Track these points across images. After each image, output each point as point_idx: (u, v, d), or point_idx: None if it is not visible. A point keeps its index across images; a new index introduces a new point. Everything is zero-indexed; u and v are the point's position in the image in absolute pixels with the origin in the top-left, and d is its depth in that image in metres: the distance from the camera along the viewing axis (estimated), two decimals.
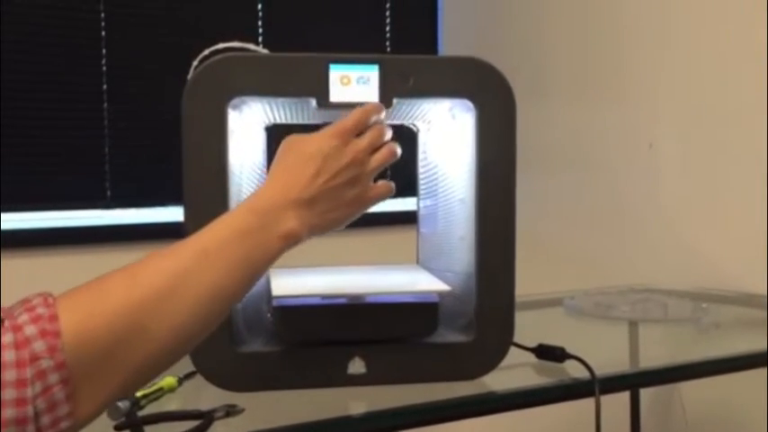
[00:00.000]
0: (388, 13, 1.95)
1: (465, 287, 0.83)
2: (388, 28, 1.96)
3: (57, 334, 0.47)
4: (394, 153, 0.69)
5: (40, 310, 0.48)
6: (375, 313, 0.79)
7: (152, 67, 1.73)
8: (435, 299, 0.81)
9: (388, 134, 0.70)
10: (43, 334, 0.46)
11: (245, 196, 0.82)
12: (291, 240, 0.61)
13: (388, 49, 1.96)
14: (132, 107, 1.73)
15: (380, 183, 0.70)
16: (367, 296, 0.80)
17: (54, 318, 0.47)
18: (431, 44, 2.01)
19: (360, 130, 0.67)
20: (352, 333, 0.79)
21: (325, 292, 0.80)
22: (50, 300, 0.49)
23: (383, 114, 0.71)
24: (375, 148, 0.67)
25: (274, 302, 0.78)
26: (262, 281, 0.87)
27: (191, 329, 0.54)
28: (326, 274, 0.91)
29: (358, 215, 0.68)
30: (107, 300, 0.50)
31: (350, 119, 0.67)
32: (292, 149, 0.65)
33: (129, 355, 0.50)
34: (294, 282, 0.85)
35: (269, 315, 0.82)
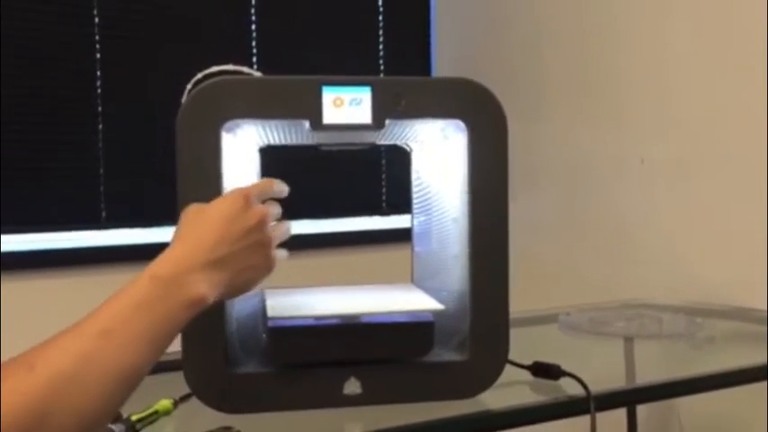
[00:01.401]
0: (381, 35, 1.97)
1: (459, 306, 0.83)
2: (381, 50, 1.98)
3: None
4: (288, 231, 0.72)
5: None
6: (370, 333, 0.79)
7: (147, 90, 1.74)
8: (430, 318, 0.81)
9: (276, 188, 0.72)
10: None
11: None
12: (198, 307, 0.60)
13: (382, 71, 1.98)
14: (127, 128, 1.73)
15: (275, 224, 0.70)
16: (361, 316, 0.80)
17: None
18: (424, 65, 2.02)
19: (262, 198, 0.69)
20: (347, 353, 0.78)
21: (319, 312, 0.80)
22: None
23: (284, 192, 0.73)
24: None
25: (269, 323, 0.78)
26: (256, 300, 0.87)
27: (98, 414, 0.52)
28: (321, 295, 0.91)
29: (265, 277, 0.68)
30: (6, 393, 0.48)
31: (255, 186, 0.69)
32: (196, 217, 0.65)
33: None
34: (289, 302, 0.85)
35: (264, 336, 0.82)
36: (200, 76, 0.78)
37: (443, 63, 2.02)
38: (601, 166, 1.68)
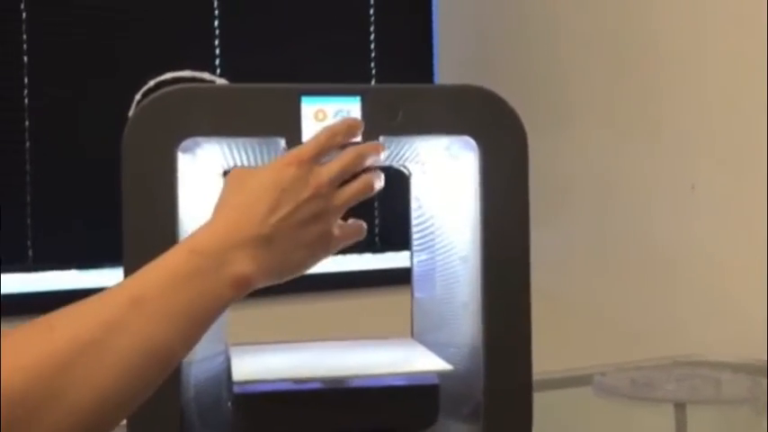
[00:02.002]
0: (372, 36, 1.99)
1: (471, 365, 0.83)
2: (372, 51, 2.00)
3: None
4: (369, 186, 0.70)
5: None
6: (360, 401, 0.78)
7: (86, 103, 1.74)
8: (435, 381, 0.81)
9: (368, 159, 0.70)
10: None
11: None
12: (243, 287, 0.61)
13: (374, 77, 1.99)
14: (61, 149, 1.73)
15: (351, 221, 0.70)
16: (350, 379, 0.79)
17: None
18: (425, 70, 2.04)
19: (323, 155, 0.68)
20: (331, 426, 0.78)
21: (297, 374, 0.80)
22: None
23: (359, 134, 0.72)
24: (346, 179, 0.68)
25: (235, 389, 0.77)
26: (218, 360, 0.86)
27: (120, 394, 0.53)
28: (299, 352, 0.91)
29: (322, 259, 0.69)
30: (17, 359, 0.49)
31: (311, 143, 0.68)
32: (241, 183, 0.66)
33: (43, 428, 0.49)
34: (259, 362, 0.84)
35: (229, 404, 0.81)
36: (151, 84, 0.78)
37: (448, 67, 2.04)
38: (641, 192, 1.69)
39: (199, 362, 0.81)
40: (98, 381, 0.52)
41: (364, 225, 0.72)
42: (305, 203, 0.64)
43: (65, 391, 0.50)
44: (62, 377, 0.51)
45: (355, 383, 0.79)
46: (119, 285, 0.59)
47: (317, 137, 0.68)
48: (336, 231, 0.68)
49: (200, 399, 0.81)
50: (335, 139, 0.68)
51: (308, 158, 0.66)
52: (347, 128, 0.71)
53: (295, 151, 0.67)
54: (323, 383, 0.79)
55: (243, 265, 0.61)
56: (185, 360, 0.75)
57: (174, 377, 0.73)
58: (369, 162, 0.70)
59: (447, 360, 0.83)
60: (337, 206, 0.67)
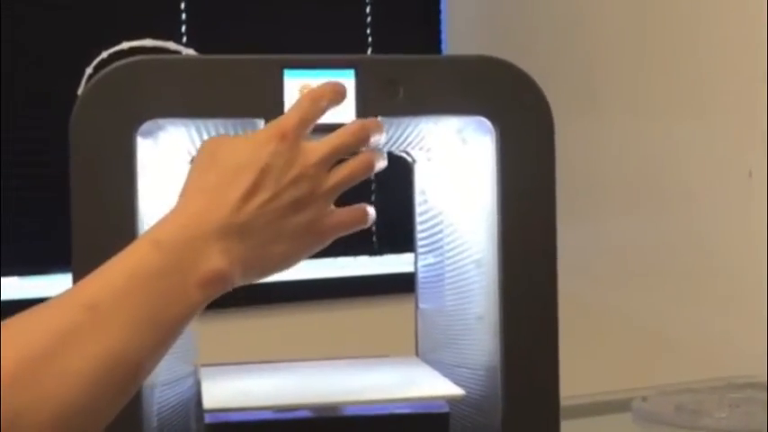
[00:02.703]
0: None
1: (487, 389, 0.82)
2: (368, 16, 1.99)
3: None
4: (369, 165, 0.69)
5: None
6: (356, 431, 0.78)
7: (25, 81, 1.73)
8: (445, 408, 0.80)
9: (371, 138, 0.69)
10: None
11: None
12: (217, 286, 0.61)
13: (370, 46, 1.98)
14: None
15: (349, 208, 0.68)
16: (343, 406, 0.79)
17: None
18: (431, 39, 2.03)
19: (309, 126, 0.67)
20: None
21: (280, 401, 0.79)
22: None
23: (344, 98, 0.71)
24: (342, 158, 0.67)
25: (206, 418, 0.77)
26: (187, 386, 0.86)
27: (80, 406, 0.54)
28: (282, 374, 0.90)
29: (313, 251, 0.68)
30: None
31: (293, 112, 0.67)
32: (213, 159, 0.65)
33: None
34: (235, 386, 0.84)
35: None
36: (104, 55, 0.77)
37: (458, 35, 2.03)
38: (689, 182, 1.68)
39: (163, 386, 0.80)
40: (56, 398, 0.53)
41: (370, 210, 0.69)
42: (288, 186, 0.63)
43: (19, 414, 0.51)
44: (14, 397, 0.52)
45: (350, 411, 0.79)
46: (72, 290, 0.59)
47: (299, 104, 0.68)
48: (328, 219, 0.67)
49: (164, 428, 0.80)
50: (320, 104, 0.68)
51: (293, 131, 0.65)
52: (332, 91, 0.70)
53: (276, 123, 0.66)
54: (311, 411, 0.78)
55: (214, 260, 0.60)
56: (146, 384, 0.75)
57: (135, 404, 0.73)
58: (372, 141, 0.69)
59: (458, 383, 0.83)
60: (328, 190, 0.66)
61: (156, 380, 0.78)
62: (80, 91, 0.75)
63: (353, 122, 0.70)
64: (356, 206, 0.70)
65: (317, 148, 0.66)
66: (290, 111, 0.68)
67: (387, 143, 0.87)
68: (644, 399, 1.25)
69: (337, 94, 0.70)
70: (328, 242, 0.68)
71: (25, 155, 1.73)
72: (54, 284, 1.70)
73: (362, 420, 0.79)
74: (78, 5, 1.77)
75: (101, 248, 0.72)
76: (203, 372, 0.88)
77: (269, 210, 0.63)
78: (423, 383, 0.87)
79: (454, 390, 0.82)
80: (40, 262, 1.72)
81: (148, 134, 0.77)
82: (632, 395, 1.25)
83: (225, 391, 0.82)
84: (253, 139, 0.65)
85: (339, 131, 0.68)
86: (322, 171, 0.66)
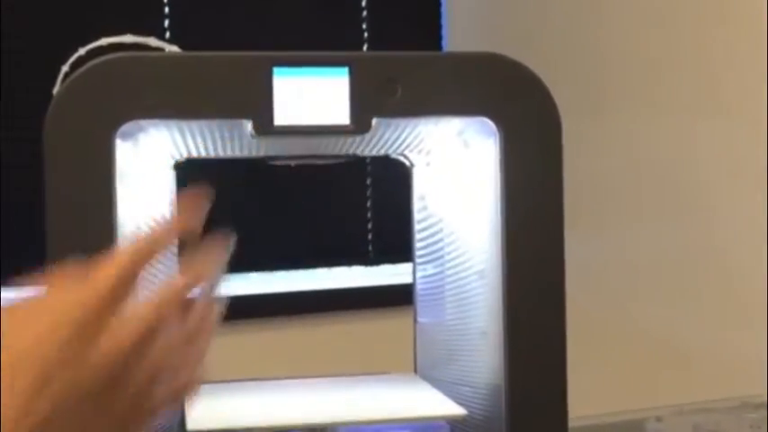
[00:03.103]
0: None
1: (490, 409, 0.82)
2: (364, 10, 1.99)
3: None
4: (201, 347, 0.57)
5: None
6: None
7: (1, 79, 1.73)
8: (446, 429, 0.81)
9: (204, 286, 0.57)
10: None
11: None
12: None
13: (366, 44, 1.99)
14: None
15: (175, 373, 0.56)
16: (337, 427, 0.78)
17: None
18: (430, 35, 2.04)
19: (131, 284, 0.54)
20: None
21: (270, 422, 0.79)
22: None
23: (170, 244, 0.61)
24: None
25: None
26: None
27: None
28: (272, 393, 0.90)
29: None
30: None
31: (113, 268, 0.53)
32: (8, 333, 0.52)
33: None
34: (221, 405, 0.84)
35: None
36: (81, 52, 0.77)
37: (460, 30, 2.04)
38: (702, 185, 1.68)
39: None
40: None
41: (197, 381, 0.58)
42: (89, 378, 0.52)
43: None
44: None
45: None
46: None
47: (121, 255, 0.55)
48: (148, 402, 0.56)
49: None
50: (151, 251, 0.56)
51: (106, 298, 0.53)
52: (171, 231, 0.58)
53: (86, 286, 0.53)
54: None
55: None
56: None
57: None
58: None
59: (459, 402, 0.83)
60: (147, 376, 0.55)
61: None
62: (55, 90, 0.75)
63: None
64: (184, 369, 0.58)
65: (129, 325, 0.53)
66: (108, 263, 0.54)
67: (384, 146, 0.88)
68: (658, 419, 1.25)
69: (178, 233, 0.58)
70: (158, 419, 0.58)
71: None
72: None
73: None
74: (55, 9, 1.77)
75: (78, 256, 0.72)
76: None
77: (62, 407, 0.52)
78: (422, 402, 0.87)
79: (455, 409, 0.81)
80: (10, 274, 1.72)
81: (128, 136, 0.76)
82: (646, 415, 1.25)
83: (210, 410, 0.82)
84: (63, 300, 0.53)
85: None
86: (136, 350, 0.54)
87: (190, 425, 0.77)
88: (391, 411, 0.84)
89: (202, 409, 0.82)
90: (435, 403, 0.85)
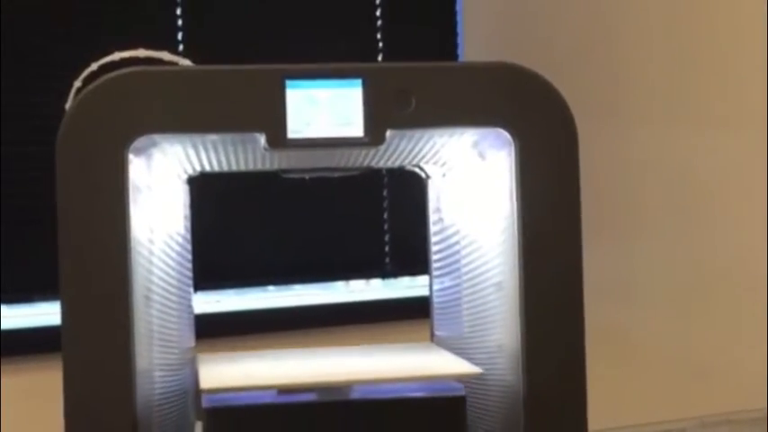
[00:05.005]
0: (378, 0, 1.98)
1: (509, 424, 0.82)
2: (378, 21, 1.99)
3: None
4: None
5: None
6: (365, 416, 0.78)
7: (11, 92, 1.73)
8: (461, 392, 0.80)
9: None
10: None
11: (156, 281, 0.81)
12: None
13: (380, 55, 1.99)
14: None
15: None
16: (351, 388, 0.78)
17: None
18: (446, 46, 2.03)
19: None
20: None
21: (284, 381, 0.79)
22: None
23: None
24: None
25: (204, 401, 0.77)
26: (182, 375, 0.87)
27: None
28: (287, 359, 0.90)
29: None
30: None
31: None
32: None
33: None
34: (235, 369, 0.84)
35: (198, 424, 0.81)
36: (94, 67, 0.78)
37: (476, 40, 2.04)
38: (725, 195, 1.67)
39: (159, 372, 0.80)
40: None
41: None
42: None
43: None
44: None
45: (359, 394, 0.79)
46: None
47: None
48: None
49: (163, 420, 0.80)
50: None
51: None
52: None
53: None
54: (317, 395, 0.78)
55: None
56: (141, 370, 0.74)
57: (125, 393, 0.72)
58: None
59: (477, 419, 0.82)
60: None
61: (152, 366, 0.78)
62: (68, 105, 0.75)
63: None
64: None
65: None
66: None
67: (398, 158, 0.87)
68: (683, 431, 1.24)
69: None
70: None
71: (7, 172, 1.74)
72: (41, 314, 1.70)
73: (372, 405, 0.79)
74: (66, 12, 1.77)
75: (90, 273, 0.73)
76: (201, 358, 0.88)
77: None
78: (437, 363, 0.86)
79: (470, 368, 0.81)
80: (24, 290, 1.72)
81: (141, 151, 0.77)
82: (668, 428, 1.24)
83: (224, 373, 0.82)
84: None
85: None
86: None
87: (203, 383, 0.77)
88: (407, 370, 0.83)
89: (217, 371, 0.83)
90: (450, 363, 0.85)
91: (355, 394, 0.78)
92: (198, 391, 0.78)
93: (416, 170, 0.95)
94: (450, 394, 0.80)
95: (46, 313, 1.70)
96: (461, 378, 0.81)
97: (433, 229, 0.98)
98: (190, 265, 0.95)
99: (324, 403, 0.78)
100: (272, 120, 0.75)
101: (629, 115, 1.81)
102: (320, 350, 0.95)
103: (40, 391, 1.53)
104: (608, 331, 1.33)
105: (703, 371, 1.68)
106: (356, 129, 0.76)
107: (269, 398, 0.77)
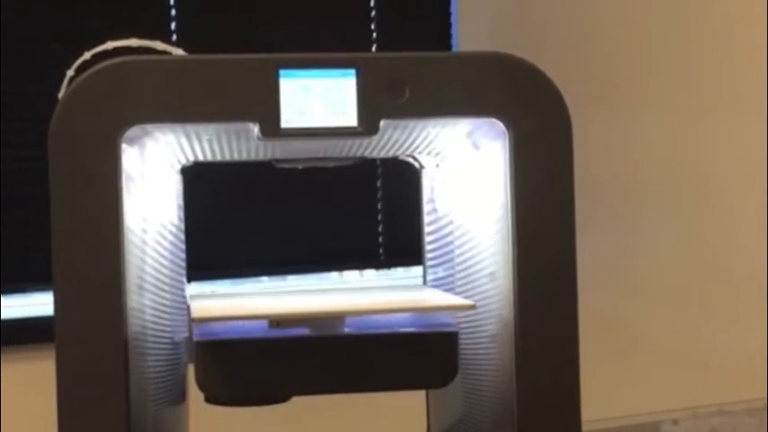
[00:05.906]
0: None
1: (501, 415, 0.82)
2: (372, 10, 1.99)
3: None
4: None
5: None
6: (357, 351, 0.78)
7: (3, 80, 1.73)
8: (453, 326, 0.80)
9: None
10: None
11: (149, 271, 0.81)
12: None
13: (374, 45, 1.98)
14: None
15: None
16: (344, 322, 0.78)
17: None
18: (440, 35, 2.03)
19: None
20: (319, 384, 0.78)
21: (276, 313, 0.78)
22: None
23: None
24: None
25: (196, 333, 0.76)
26: (180, 362, 0.86)
27: None
28: (279, 295, 0.91)
29: None
30: None
31: None
32: None
33: None
34: (228, 303, 0.84)
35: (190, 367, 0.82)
36: (87, 56, 0.77)
37: (470, 30, 2.03)
38: (719, 184, 1.67)
39: (150, 362, 0.80)
40: None
41: None
42: None
43: None
44: None
45: (352, 329, 0.79)
46: None
47: None
48: None
49: (159, 387, 0.81)
50: None
51: None
52: None
53: None
54: (310, 328, 0.77)
55: None
56: (135, 358, 0.74)
57: (118, 382, 0.71)
58: None
59: (472, 410, 0.83)
60: None
61: (145, 356, 0.79)
62: (60, 95, 0.75)
63: None
64: None
65: None
66: None
67: (392, 148, 0.88)
68: (675, 422, 1.24)
69: None
70: None
71: (2, 162, 1.74)
72: (39, 304, 1.69)
73: (365, 340, 0.78)
74: (58, 1, 1.77)
75: (83, 263, 0.73)
76: (194, 297, 0.89)
77: None
78: (429, 298, 0.87)
79: (463, 301, 0.82)
80: (17, 280, 1.72)
81: (134, 141, 0.77)
82: (662, 418, 1.24)
83: (216, 305, 0.82)
84: None
85: None
86: None
87: (194, 313, 0.77)
88: (399, 303, 0.84)
89: (208, 303, 0.84)
90: (442, 298, 0.85)
91: (347, 328, 0.78)
92: (189, 325, 0.78)
93: (410, 160, 0.95)
94: (443, 330, 0.80)
95: (44, 303, 1.71)
96: (454, 309, 0.81)
97: (426, 219, 0.98)
98: (183, 255, 0.95)
99: (316, 337, 0.78)
100: (266, 109, 0.75)
101: (625, 105, 1.81)
102: (314, 289, 0.95)
103: (38, 380, 1.54)
104: (603, 321, 1.34)
105: (698, 363, 1.68)
106: (350, 118, 0.76)
107: (260, 332, 0.76)
